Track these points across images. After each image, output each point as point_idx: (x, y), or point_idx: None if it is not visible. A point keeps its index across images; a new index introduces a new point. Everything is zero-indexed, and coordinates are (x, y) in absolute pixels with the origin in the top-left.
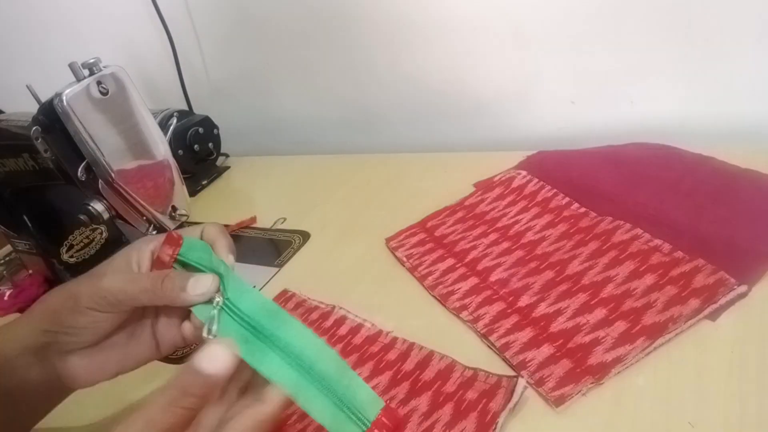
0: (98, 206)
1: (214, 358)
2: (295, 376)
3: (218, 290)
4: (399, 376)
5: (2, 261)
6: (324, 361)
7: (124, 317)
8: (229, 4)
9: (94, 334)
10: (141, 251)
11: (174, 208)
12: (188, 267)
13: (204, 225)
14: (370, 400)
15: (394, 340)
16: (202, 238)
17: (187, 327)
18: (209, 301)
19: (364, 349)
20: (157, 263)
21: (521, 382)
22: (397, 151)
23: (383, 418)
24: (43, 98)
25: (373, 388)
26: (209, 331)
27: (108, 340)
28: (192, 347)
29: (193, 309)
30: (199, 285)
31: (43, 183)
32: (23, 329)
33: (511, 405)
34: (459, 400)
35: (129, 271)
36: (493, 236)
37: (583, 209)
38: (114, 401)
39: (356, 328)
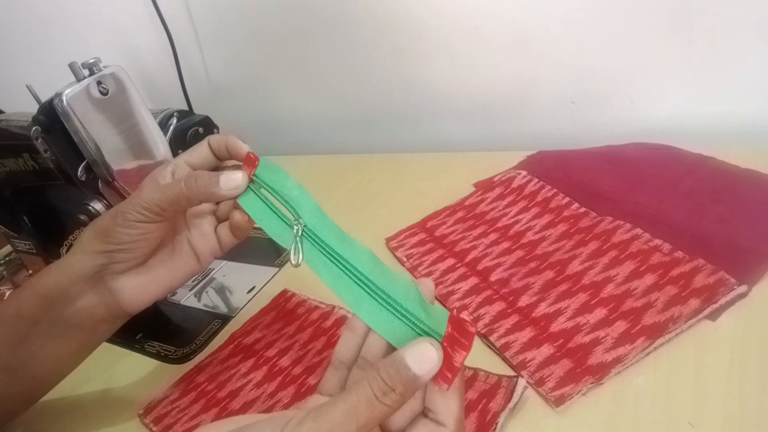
0: (98, 206)
1: (424, 359)
2: (372, 304)
3: (295, 218)
4: None
5: (2, 261)
6: (395, 286)
7: (165, 230)
8: (230, 4)
9: (145, 246)
10: (177, 163)
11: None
12: (263, 190)
13: (209, 138)
14: (437, 315)
15: None
16: (214, 149)
17: (237, 215)
18: (284, 222)
19: None
20: None
21: (521, 382)
22: (397, 151)
23: (454, 332)
24: (43, 98)
25: None
26: (295, 258)
27: (154, 259)
28: (193, 348)
29: (254, 218)
30: (231, 180)
31: (43, 183)
32: (76, 256)
33: (511, 405)
34: None
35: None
36: (493, 236)
37: (583, 209)
38: (116, 401)
39: None
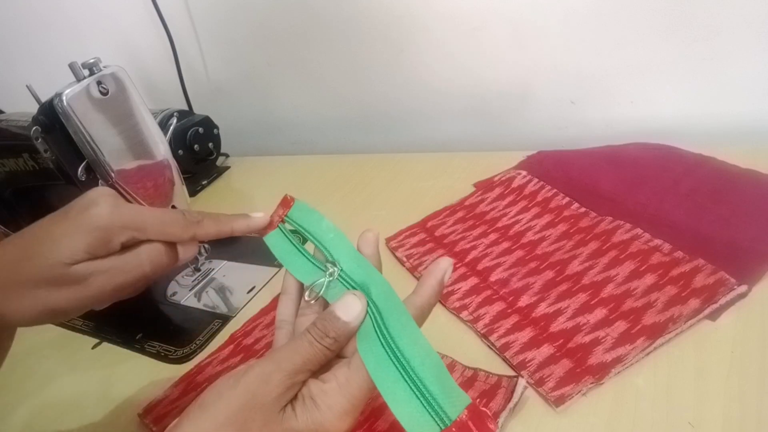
0: None
1: (349, 308)
2: (388, 367)
3: (330, 260)
4: None
5: None
6: (425, 364)
7: None
8: (230, 4)
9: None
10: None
11: (174, 208)
12: (296, 231)
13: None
14: (456, 397)
15: None
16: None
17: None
18: (319, 268)
19: None
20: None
21: (521, 382)
22: (397, 151)
23: (468, 420)
24: (43, 98)
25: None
26: (312, 297)
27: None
28: (193, 348)
29: (292, 272)
30: (260, 220)
31: (43, 183)
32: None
33: (511, 405)
34: None
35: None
36: (493, 236)
37: (583, 209)
38: (116, 401)
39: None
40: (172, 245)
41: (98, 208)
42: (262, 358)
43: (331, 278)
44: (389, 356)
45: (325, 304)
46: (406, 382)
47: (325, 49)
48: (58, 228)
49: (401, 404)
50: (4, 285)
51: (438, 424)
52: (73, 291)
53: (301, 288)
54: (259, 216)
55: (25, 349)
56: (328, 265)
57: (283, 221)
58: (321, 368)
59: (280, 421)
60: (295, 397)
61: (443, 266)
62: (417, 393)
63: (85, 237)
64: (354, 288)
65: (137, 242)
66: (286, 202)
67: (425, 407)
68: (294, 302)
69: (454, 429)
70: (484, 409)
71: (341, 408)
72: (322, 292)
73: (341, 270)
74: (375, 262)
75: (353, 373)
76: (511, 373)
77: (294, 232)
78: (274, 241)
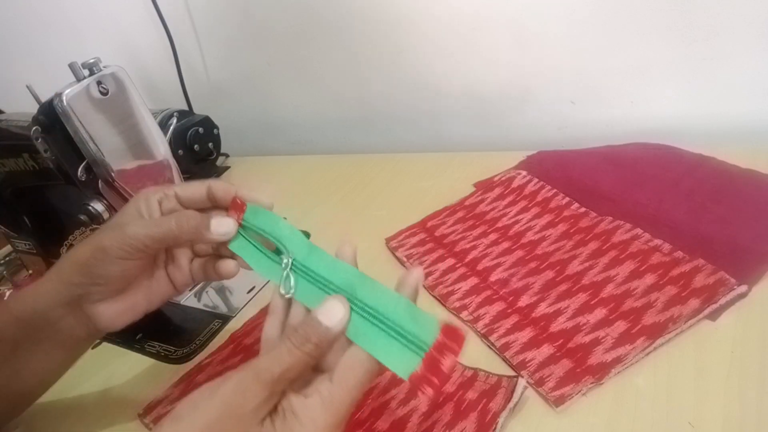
0: (98, 206)
1: (332, 313)
2: (360, 322)
3: (285, 253)
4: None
5: (2, 261)
6: (383, 300)
7: (149, 260)
8: (230, 4)
9: (123, 281)
10: (148, 201)
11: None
12: (251, 232)
13: (209, 181)
14: (426, 323)
15: None
16: (210, 194)
17: (223, 267)
18: (279, 262)
19: None
20: None
21: (521, 383)
22: (397, 151)
23: (444, 339)
24: (43, 98)
25: (373, 388)
26: (285, 290)
27: (132, 285)
28: (193, 348)
29: (246, 259)
30: (221, 225)
31: (43, 183)
32: (53, 284)
33: (511, 405)
34: (459, 400)
35: (146, 219)
36: (493, 236)
37: (583, 209)
38: (116, 401)
39: None
40: (204, 215)
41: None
42: (239, 368)
43: (286, 268)
44: (362, 315)
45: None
46: (382, 330)
47: (325, 49)
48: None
49: (382, 351)
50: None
51: (418, 354)
52: (116, 231)
53: (288, 308)
54: (229, 222)
55: None
56: (283, 256)
57: (240, 225)
58: (301, 380)
59: None
60: (275, 410)
61: (417, 276)
62: (394, 335)
63: (132, 203)
64: (313, 278)
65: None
66: (238, 206)
67: (405, 345)
68: (280, 323)
69: (433, 352)
70: (452, 325)
71: (325, 423)
72: (282, 284)
73: (294, 260)
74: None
75: (336, 387)
76: (511, 373)
77: (252, 231)
78: (239, 245)
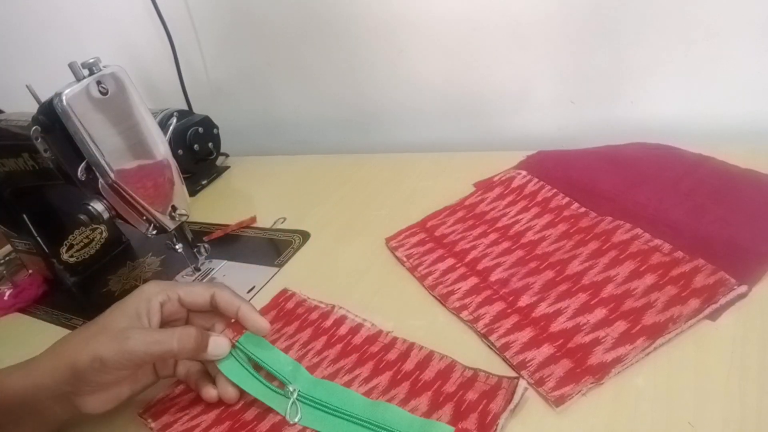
0: (98, 206)
1: (218, 348)
2: None
3: (287, 383)
4: (399, 377)
5: (2, 261)
6: (397, 419)
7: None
8: (229, 4)
9: (115, 384)
10: (150, 304)
11: (174, 208)
12: (242, 354)
13: (214, 289)
14: None
15: (394, 340)
16: (213, 301)
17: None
18: (273, 388)
19: (364, 349)
20: None
21: (522, 384)
22: (397, 151)
23: None
24: (43, 98)
25: (373, 388)
26: (291, 418)
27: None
28: None
29: (234, 379)
30: (218, 347)
31: (43, 183)
32: (44, 380)
33: (511, 406)
34: (459, 400)
35: (147, 329)
36: (493, 236)
37: (583, 209)
38: None
39: (356, 328)
40: (203, 334)
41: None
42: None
43: (292, 396)
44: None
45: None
46: None
47: (325, 49)
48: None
49: None
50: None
51: None
52: (116, 342)
53: None
54: (225, 344)
55: (26, 350)
56: (289, 387)
57: (233, 346)
58: None
59: None
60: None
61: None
62: None
63: (134, 302)
64: (317, 405)
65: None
66: (236, 327)
67: None
68: None
69: None
70: None
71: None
72: (288, 412)
73: (299, 391)
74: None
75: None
76: (512, 373)
77: (244, 354)
78: (228, 365)
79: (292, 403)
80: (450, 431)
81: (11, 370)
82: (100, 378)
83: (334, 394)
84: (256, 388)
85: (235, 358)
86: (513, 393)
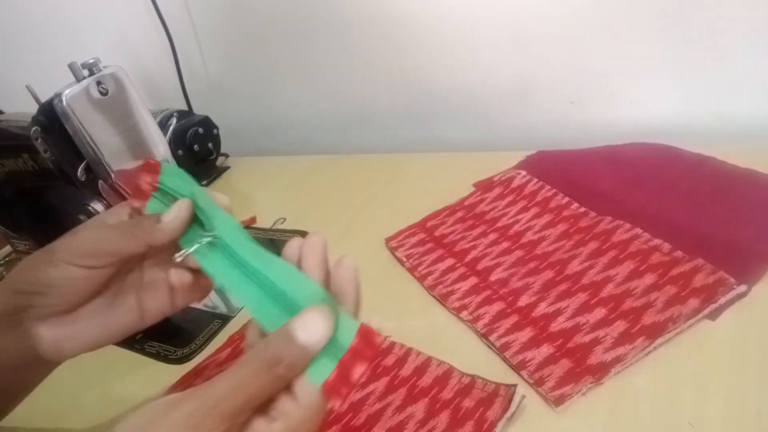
0: (98, 206)
1: (312, 328)
2: (278, 316)
3: (208, 228)
4: (396, 382)
5: (2, 261)
6: (307, 297)
7: (101, 278)
8: (229, 4)
9: (68, 294)
10: (119, 212)
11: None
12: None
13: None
14: (346, 326)
15: (392, 344)
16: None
17: (174, 274)
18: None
19: None
20: (136, 193)
21: (519, 390)
22: (397, 151)
23: (359, 343)
24: (43, 98)
25: (369, 394)
26: (180, 256)
27: (85, 308)
28: (192, 349)
29: (181, 244)
30: (172, 211)
31: (43, 183)
32: None
33: (508, 414)
34: (456, 407)
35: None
36: (492, 236)
37: (582, 209)
38: (116, 401)
39: None
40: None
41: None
42: (193, 391)
43: (205, 239)
44: (278, 305)
45: None
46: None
47: (325, 49)
48: None
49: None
50: None
51: (333, 360)
52: (70, 236)
53: None
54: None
55: None
56: (207, 230)
57: (155, 188)
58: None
59: None
60: None
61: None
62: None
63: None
64: (232, 257)
65: None
66: (151, 167)
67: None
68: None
69: (347, 357)
70: (369, 328)
71: None
72: (186, 250)
73: (218, 238)
74: (321, 271)
75: (303, 410)
76: (511, 374)
77: (170, 196)
78: (154, 209)
79: (197, 247)
80: (355, 326)
81: None
82: (48, 275)
83: (248, 247)
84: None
85: (159, 200)
86: (510, 400)
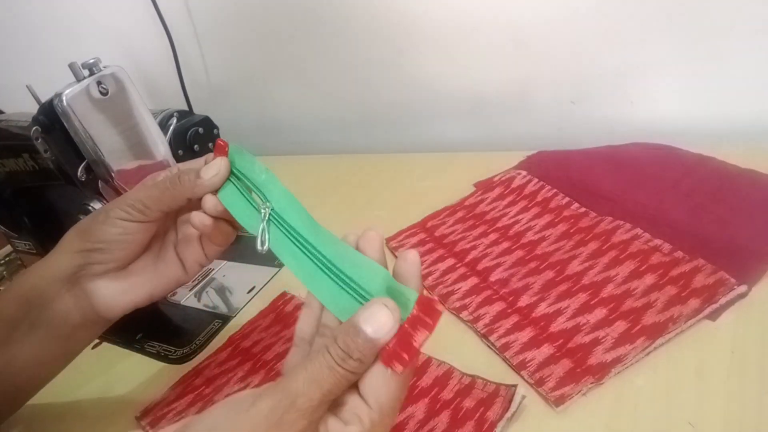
0: (98, 206)
1: (378, 322)
2: (334, 288)
3: (263, 201)
4: None
5: (2, 261)
6: (360, 270)
7: (149, 232)
8: (230, 4)
9: (125, 248)
10: (155, 177)
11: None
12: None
13: (206, 156)
14: (404, 296)
15: None
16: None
17: (195, 216)
18: (257, 211)
19: None
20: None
21: (519, 391)
22: (397, 151)
23: (419, 313)
24: (43, 98)
25: None
26: (261, 244)
27: (136, 264)
28: (193, 349)
29: (231, 211)
30: (211, 168)
31: (43, 183)
32: (55, 255)
33: (508, 415)
34: (456, 408)
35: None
36: (493, 236)
37: (583, 209)
38: (116, 402)
39: None
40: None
41: None
42: (271, 388)
43: (264, 219)
44: (338, 284)
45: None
46: (357, 302)
47: (325, 49)
48: None
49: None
50: None
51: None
52: (120, 197)
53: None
54: (218, 162)
55: None
56: (261, 207)
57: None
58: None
59: None
60: None
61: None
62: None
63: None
64: (290, 234)
65: None
66: (221, 148)
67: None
68: (316, 318)
69: (407, 326)
70: (430, 298)
71: None
72: (260, 236)
73: (272, 210)
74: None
75: (376, 413)
76: (512, 373)
77: (237, 178)
78: (226, 195)
79: (263, 229)
80: (413, 295)
81: (32, 266)
82: (104, 233)
83: (304, 222)
84: (246, 216)
85: (233, 184)
86: (510, 401)
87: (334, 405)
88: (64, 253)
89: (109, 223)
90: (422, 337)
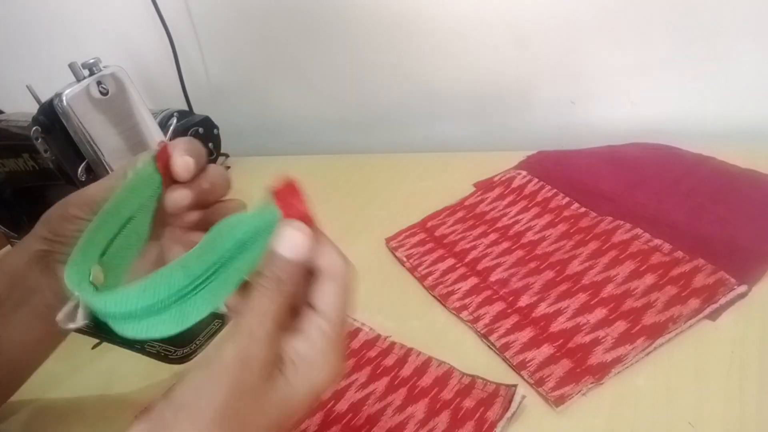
0: None
1: (288, 242)
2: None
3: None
4: (396, 382)
5: None
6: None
7: None
8: (230, 5)
9: None
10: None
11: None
12: None
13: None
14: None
15: (392, 345)
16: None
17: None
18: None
19: (362, 353)
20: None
21: (519, 391)
22: (397, 151)
23: (277, 193)
24: (43, 98)
25: (370, 394)
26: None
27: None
28: (192, 348)
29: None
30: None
31: (43, 183)
32: (29, 237)
33: (509, 415)
34: (456, 408)
35: None
36: (493, 236)
37: (583, 209)
38: (116, 401)
39: (354, 332)
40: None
41: None
42: (225, 336)
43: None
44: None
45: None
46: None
47: (325, 49)
48: None
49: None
50: None
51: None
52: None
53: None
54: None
55: None
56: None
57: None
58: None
59: (273, 393)
60: (280, 360)
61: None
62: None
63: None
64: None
65: None
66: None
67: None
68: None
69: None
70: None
71: (335, 354)
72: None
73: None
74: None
75: (327, 316)
76: (511, 374)
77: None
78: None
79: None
80: (266, 201)
81: (16, 245)
82: (62, 228)
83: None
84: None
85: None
86: (510, 401)
87: (291, 329)
88: (34, 237)
89: (66, 219)
90: (298, 198)
